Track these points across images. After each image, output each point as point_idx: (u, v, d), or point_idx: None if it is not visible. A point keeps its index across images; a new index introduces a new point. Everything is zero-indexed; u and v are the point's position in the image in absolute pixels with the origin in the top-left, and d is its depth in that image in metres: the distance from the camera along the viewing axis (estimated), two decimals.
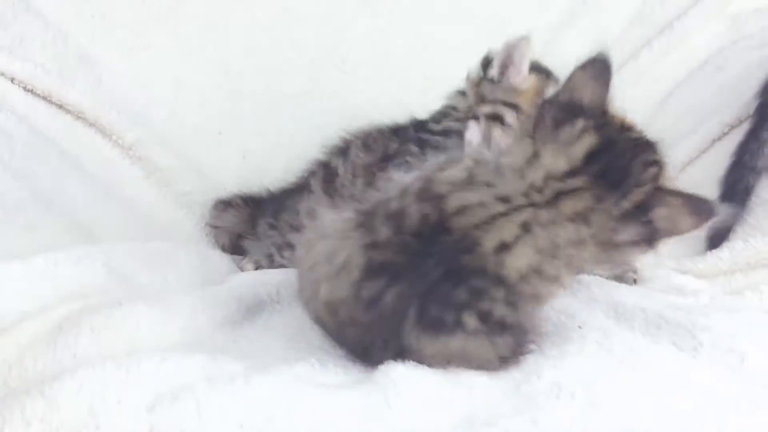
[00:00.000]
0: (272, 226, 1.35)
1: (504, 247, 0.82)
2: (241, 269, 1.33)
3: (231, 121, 1.55)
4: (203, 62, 1.56)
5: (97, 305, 0.92)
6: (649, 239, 0.83)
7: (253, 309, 1.07)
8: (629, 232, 0.83)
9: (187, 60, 1.56)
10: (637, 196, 0.83)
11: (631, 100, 1.49)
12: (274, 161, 1.46)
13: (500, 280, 0.82)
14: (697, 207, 0.83)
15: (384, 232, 0.84)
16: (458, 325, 0.81)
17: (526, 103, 1.21)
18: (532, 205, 0.83)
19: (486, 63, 1.27)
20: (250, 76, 1.59)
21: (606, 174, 0.82)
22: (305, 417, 0.76)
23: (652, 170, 0.85)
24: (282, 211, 1.34)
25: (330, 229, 0.91)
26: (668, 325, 0.95)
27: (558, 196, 0.83)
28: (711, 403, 0.81)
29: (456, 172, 0.85)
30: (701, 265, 1.12)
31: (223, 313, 1.02)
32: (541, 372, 0.83)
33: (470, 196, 0.83)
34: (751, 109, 1.28)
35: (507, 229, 0.82)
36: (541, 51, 1.61)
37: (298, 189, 1.36)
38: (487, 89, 1.25)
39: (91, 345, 0.86)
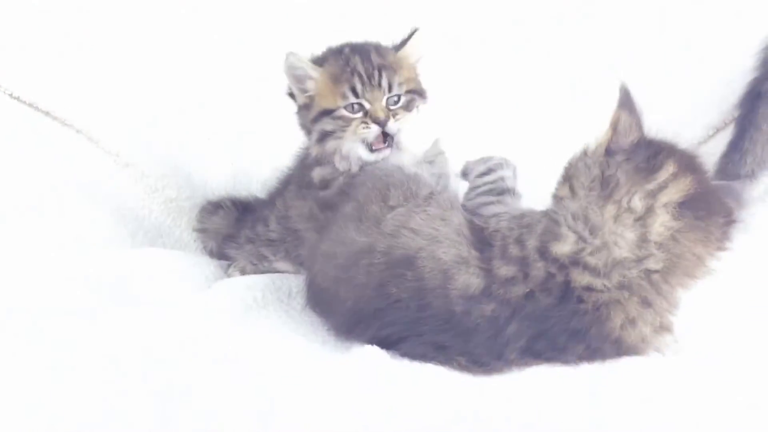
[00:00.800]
0: (249, 239, 1.34)
1: (630, 322, 0.87)
2: (228, 276, 1.33)
3: (219, 128, 1.55)
4: (191, 68, 1.56)
5: (81, 312, 0.93)
6: None
7: (238, 315, 1.08)
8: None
9: (175, 65, 1.56)
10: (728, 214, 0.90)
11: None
12: (262, 167, 1.46)
13: (617, 342, 0.87)
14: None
15: (506, 271, 0.88)
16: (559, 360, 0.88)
17: (326, 101, 1.16)
18: (651, 283, 0.86)
19: (290, 94, 1.22)
20: (239, 82, 1.59)
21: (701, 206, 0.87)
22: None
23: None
24: (258, 222, 1.34)
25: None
26: None
27: (676, 259, 0.86)
28: (689, 403, 0.81)
29: (566, 248, 0.87)
30: None
31: (209, 318, 1.02)
32: (521, 374, 0.85)
33: (593, 281, 0.86)
34: (737, 113, 1.28)
35: (631, 307, 0.86)
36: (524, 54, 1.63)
37: (271, 200, 1.36)
38: (303, 118, 1.21)
39: (73, 353, 0.87)
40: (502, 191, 1.02)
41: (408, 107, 1.17)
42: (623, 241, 0.86)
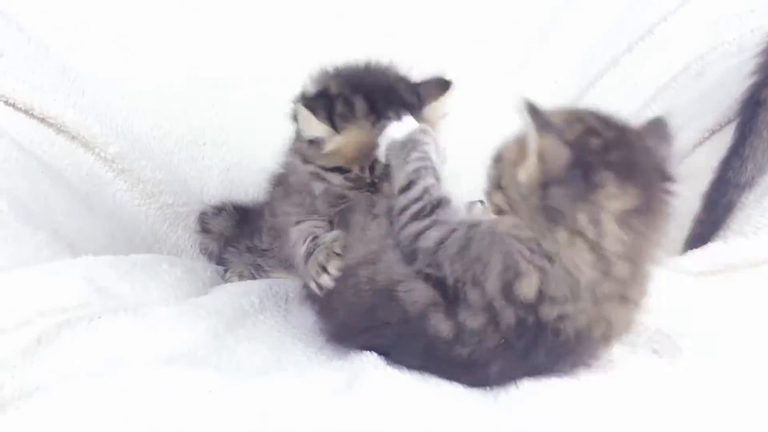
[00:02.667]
0: (248, 248, 1.36)
1: (610, 325, 0.85)
2: (226, 281, 1.33)
3: (215, 133, 1.55)
4: (187, 74, 1.56)
5: (76, 319, 0.92)
6: None
7: (235, 320, 1.08)
8: None
9: (171, 72, 1.56)
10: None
11: (612, 107, 1.51)
12: (257, 174, 1.46)
13: (604, 340, 0.86)
14: None
15: (475, 322, 0.84)
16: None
17: (346, 160, 1.03)
18: (624, 283, 0.83)
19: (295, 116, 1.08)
20: (235, 88, 1.59)
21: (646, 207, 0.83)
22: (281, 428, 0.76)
23: None
24: (255, 232, 1.36)
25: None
26: (648, 331, 0.96)
27: (637, 254, 0.83)
28: (688, 408, 0.82)
29: (531, 287, 0.82)
30: (682, 265, 1.12)
31: (205, 325, 1.02)
32: (519, 382, 0.85)
33: (564, 309, 0.82)
34: (731, 114, 1.28)
35: (610, 311, 0.84)
36: (525, 57, 1.63)
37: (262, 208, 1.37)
38: (305, 149, 1.06)
39: (69, 359, 0.87)
40: (433, 206, 0.92)
41: None
42: (584, 263, 0.82)
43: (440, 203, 0.92)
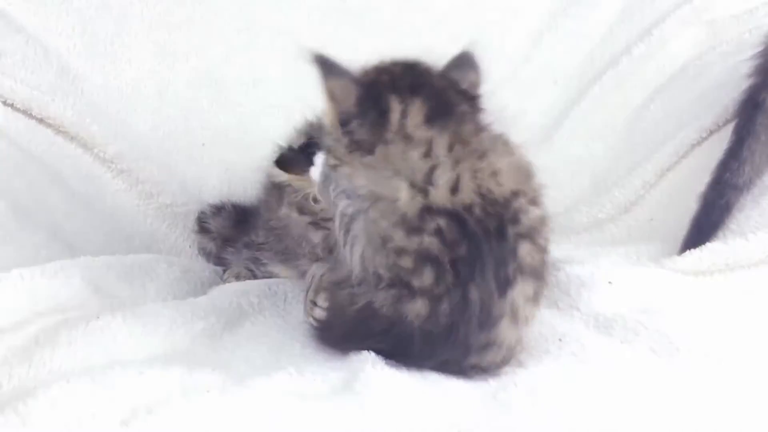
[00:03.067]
0: (246, 244, 1.35)
1: (515, 191, 0.86)
2: (224, 281, 1.33)
3: (214, 133, 1.55)
4: (186, 74, 1.56)
5: (74, 319, 0.93)
6: None
7: (234, 320, 1.08)
8: None
9: (170, 72, 1.55)
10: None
11: (611, 107, 1.52)
12: (257, 174, 1.46)
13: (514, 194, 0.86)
14: None
15: (425, 278, 0.84)
16: (519, 270, 0.85)
17: None
18: (481, 156, 0.87)
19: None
20: (234, 88, 1.59)
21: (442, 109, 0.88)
22: (280, 428, 0.76)
23: None
24: (252, 229, 1.35)
25: None
26: (647, 330, 0.96)
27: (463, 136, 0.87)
28: (686, 407, 0.82)
29: (402, 194, 0.84)
30: (680, 265, 1.12)
31: (203, 324, 1.02)
32: (518, 381, 0.84)
33: (444, 177, 0.84)
34: (729, 114, 1.28)
35: (486, 177, 0.85)
36: (520, 57, 1.63)
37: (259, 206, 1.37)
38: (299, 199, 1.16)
39: (67, 359, 0.87)
40: (349, 224, 0.92)
41: None
42: (415, 155, 0.85)
43: (353, 218, 0.91)
